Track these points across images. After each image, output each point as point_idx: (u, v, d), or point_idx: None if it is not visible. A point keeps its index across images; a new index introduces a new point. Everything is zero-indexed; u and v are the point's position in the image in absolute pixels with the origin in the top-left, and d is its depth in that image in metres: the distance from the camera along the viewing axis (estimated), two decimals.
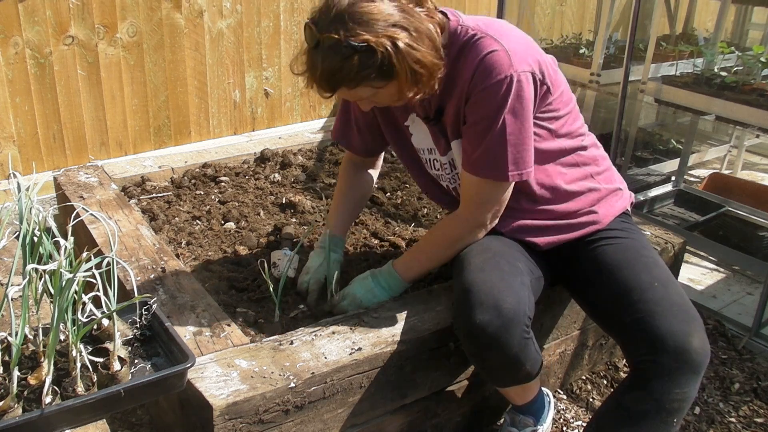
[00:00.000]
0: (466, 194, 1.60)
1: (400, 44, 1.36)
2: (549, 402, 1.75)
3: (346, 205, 1.89)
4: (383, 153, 1.95)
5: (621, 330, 1.53)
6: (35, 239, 1.21)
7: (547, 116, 1.57)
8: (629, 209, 1.77)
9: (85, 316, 1.17)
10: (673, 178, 3.44)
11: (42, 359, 1.16)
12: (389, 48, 1.35)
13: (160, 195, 2.35)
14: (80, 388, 1.12)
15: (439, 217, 2.33)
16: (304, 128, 3.42)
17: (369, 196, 2.05)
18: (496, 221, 1.62)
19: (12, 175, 1.27)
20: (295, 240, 2.06)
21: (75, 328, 1.15)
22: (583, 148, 1.68)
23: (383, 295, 1.68)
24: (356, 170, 1.92)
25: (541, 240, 1.65)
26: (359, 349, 1.49)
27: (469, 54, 1.48)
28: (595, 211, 1.67)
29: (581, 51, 3.57)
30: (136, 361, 1.26)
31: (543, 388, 1.74)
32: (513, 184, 1.57)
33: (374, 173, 1.96)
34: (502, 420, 1.83)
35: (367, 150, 1.87)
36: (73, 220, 1.24)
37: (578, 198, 1.66)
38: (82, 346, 1.16)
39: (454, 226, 1.64)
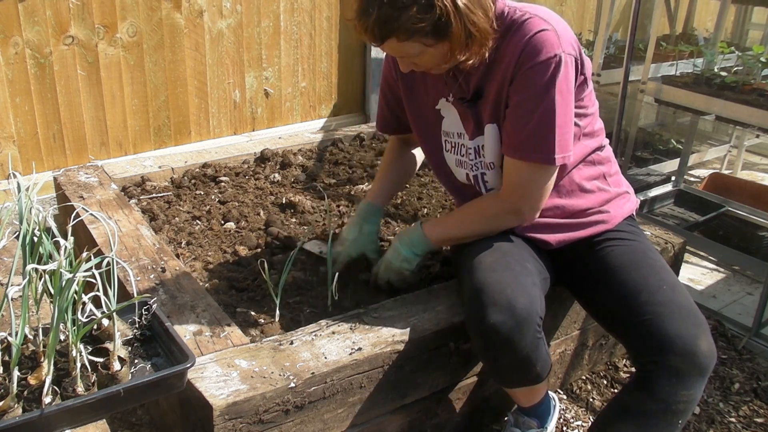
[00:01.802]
0: (509, 180, 1.57)
1: (460, 3, 1.35)
2: (554, 406, 1.75)
3: (388, 176, 1.90)
4: None
5: (627, 331, 1.53)
6: (35, 239, 1.21)
7: (578, 112, 1.56)
8: (635, 214, 1.77)
9: (85, 316, 1.17)
10: (673, 178, 3.44)
11: (42, 359, 1.16)
12: (449, 5, 1.35)
13: (160, 195, 2.35)
14: (80, 388, 1.12)
15: (438, 216, 2.33)
16: (304, 128, 3.42)
17: (413, 173, 2.04)
18: (535, 215, 1.59)
19: (12, 175, 1.27)
20: (305, 240, 2.06)
21: (75, 328, 1.15)
22: (601, 147, 1.68)
23: (406, 251, 1.69)
24: (402, 146, 1.93)
25: (552, 238, 1.65)
26: (359, 349, 1.49)
27: (517, 33, 1.47)
28: (605, 210, 1.68)
29: None
30: (136, 361, 1.26)
31: (549, 392, 1.74)
32: (557, 170, 1.54)
33: (419, 153, 1.97)
34: (505, 419, 1.83)
35: (405, 126, 1.85)
36: (73, 220, 1.24)
37: (589, 196, 1.66)
38: (82, 346, 1.16)
39: (491, 204, 1.62)
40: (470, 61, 1.47)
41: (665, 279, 1.54)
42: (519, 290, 1.44)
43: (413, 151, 1.95)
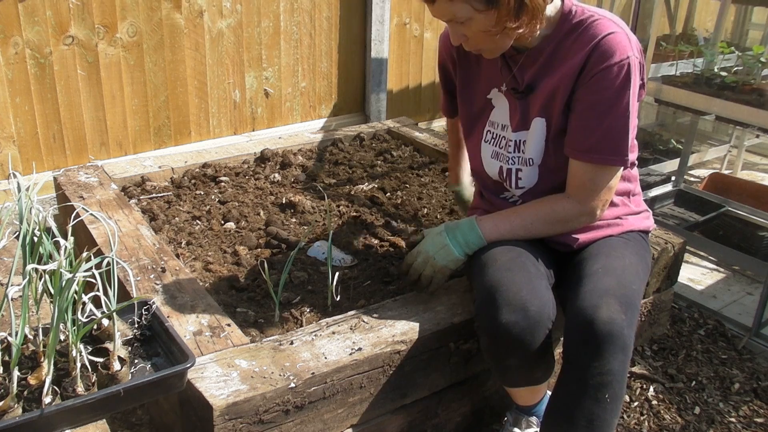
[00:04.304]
0: (580, 182, 1.55)
1: None
2: None
3: (462, 154, 2.00)
4: None
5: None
6: (35, 239, 1.21)
7: None
8: (650, 233, 1.78)
9: (85, 316, 1.17)
10: (673, 178, 3.43)
11: (42, 359, 1.16)
12: None
13: (160, 195, 2.35)
14: (80, 388, 1.12)
15: (439, 217, 2.33)
16: (304, 128, 3.42)
17: None
18: (603, 212, 1.59)
19: (12, 175, 1.27)
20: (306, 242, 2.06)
21: (75, 328, 1.15)
22: (633, 164, 1.69)
23: (458, 252, 1.61)
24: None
25: (576, 239, 1.63)
26: (359, 349, 1.49)
27: (585, 33, 1.48)
28: (625, 217, 1.69)
29: None
30: (136, 361, 1.26)
31: (548, 391, 1.73)
32: (621, 170, 1.55)
33: None
34: (504, 419, 1.83)
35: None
36: (73, 220, 1.24)
37: (614, 208, 1.66)
38: (82, 346, 1.16)
39: (564, 206, 1.58)
40: (519, 30, 1.44)
41: (606, 264, 1.52)
42: (533, 292, 1.43)
43: None
